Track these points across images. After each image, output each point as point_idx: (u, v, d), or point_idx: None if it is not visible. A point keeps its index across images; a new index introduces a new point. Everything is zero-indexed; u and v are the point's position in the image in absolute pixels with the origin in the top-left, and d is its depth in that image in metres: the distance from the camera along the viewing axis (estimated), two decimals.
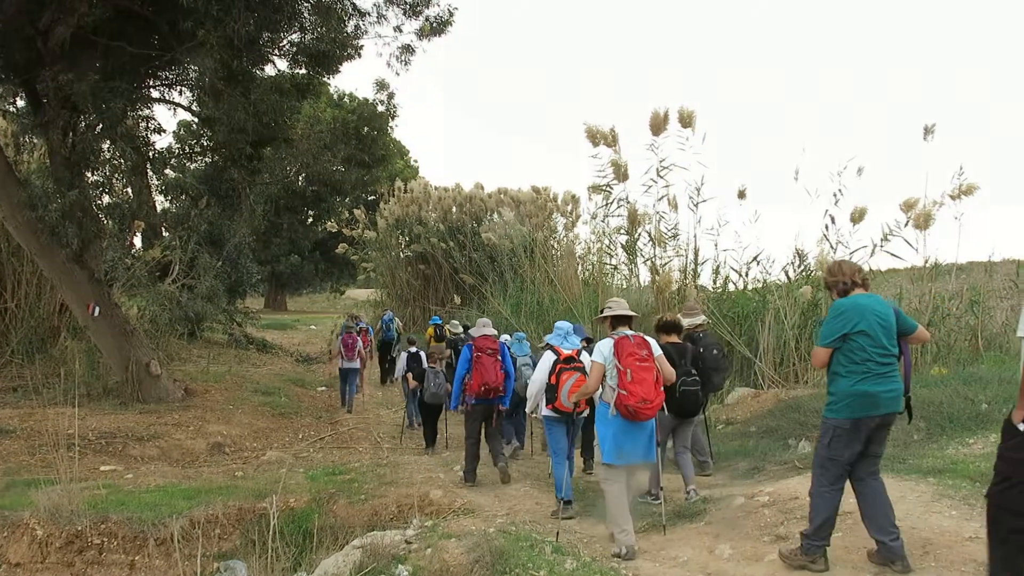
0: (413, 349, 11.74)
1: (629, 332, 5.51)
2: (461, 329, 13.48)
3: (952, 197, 10.38)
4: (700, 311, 8.02)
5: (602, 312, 5.85)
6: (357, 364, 14.05)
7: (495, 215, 22.08)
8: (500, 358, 7.91)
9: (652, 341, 5.58)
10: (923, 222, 10.49)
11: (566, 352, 6.69)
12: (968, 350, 10.60)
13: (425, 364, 11.05)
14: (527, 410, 7.69)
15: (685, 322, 7.28)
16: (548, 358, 6.77)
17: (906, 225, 10.86)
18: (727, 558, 5.07)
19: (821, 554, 4.46)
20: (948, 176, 10.62)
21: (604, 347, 5.43)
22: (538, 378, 6.79)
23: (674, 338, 6.71)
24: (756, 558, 4.94)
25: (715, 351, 7.49)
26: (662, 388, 5.40)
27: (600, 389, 5.48)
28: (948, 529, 4.71)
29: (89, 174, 11.94)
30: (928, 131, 10.67)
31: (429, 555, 5.18)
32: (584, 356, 6.69)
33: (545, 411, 6.78)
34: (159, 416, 11.45)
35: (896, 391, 4.31)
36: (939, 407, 7.72)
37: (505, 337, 9.81)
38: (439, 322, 15.65)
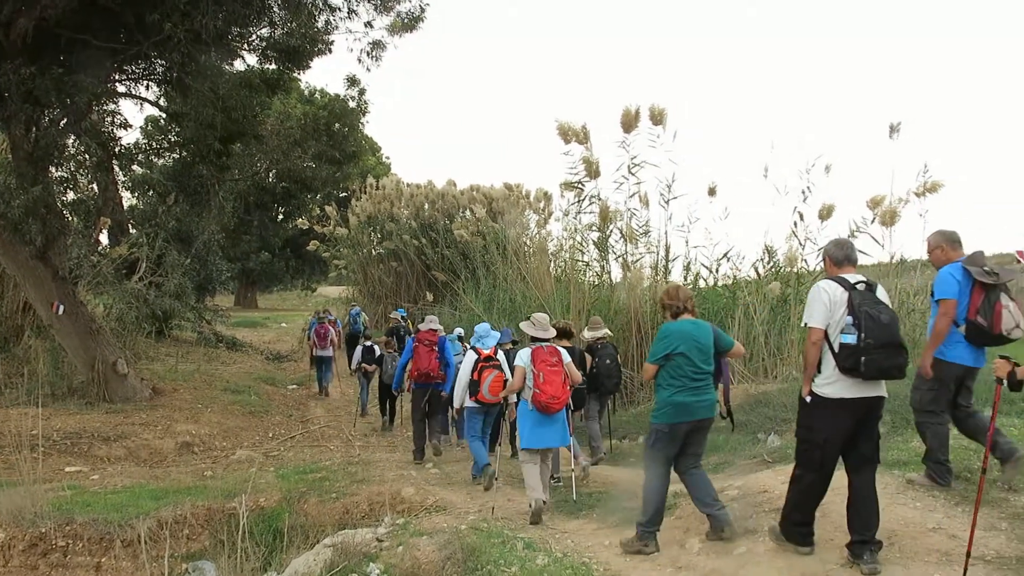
0: (368, 343, 13.26)
1: (544, 343, 6.66)
2: (400, 317, 14.82)
3: (917, 194, 10.54)
4: (603, 326, 9.17)
5: (531, 331, 6.90)
6: (330, 352, 15.31)
7: (467, 212, 22.01)
8: (437, 349, 8.98)
9: (562, 350, 6.65)
10: (889, 219, 10.65)
11: (486, 352, 7.77)
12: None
13: (380, 352, 12.41)
14: (454, 404, 8.40)
15: (588, 334, 8.87)
16: (471, 357, 7.83)
17: (872, 222, 11.03)
18: (697, 552, 5.10)
19: (652, 539, 5.23)
20: (913, 174, 10.80)
21: (524, 355, 6.59)
22: (463, 375, 7.85)
23: (565, 342, 7.64)
24: (725, 551, 4.98)
25: (608, 360, 8.76)
26: (569, 388, 6.56)
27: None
28: (912, 520, 4.78)
29: (53, 170, 11.72)
30: (894, 129, 10.82)
31: (401, 553, 5.16)
32: (500, 355, 7.87)
33: (469, 402, 7.82)
34: (126, 416, 11.29)
35: (708, 401, 5.09)
36: (904, 400, 7.81)
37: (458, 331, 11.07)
38: (403, 314, 16.11)
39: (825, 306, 4.34)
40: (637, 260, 13.38)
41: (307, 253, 32.98)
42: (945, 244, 5.57)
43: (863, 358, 4.15)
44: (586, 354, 8.57)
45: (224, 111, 11.93)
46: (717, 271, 13.64)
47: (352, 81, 20.76)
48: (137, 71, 12.98)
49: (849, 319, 4.24)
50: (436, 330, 9.28)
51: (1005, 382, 4.13)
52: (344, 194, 33.78)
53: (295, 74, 14.23)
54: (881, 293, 4.43)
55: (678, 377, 5.01)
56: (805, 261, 12.29)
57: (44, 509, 6.83)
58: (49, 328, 12.48)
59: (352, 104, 24.18)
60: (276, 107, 22.66)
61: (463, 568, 4.83)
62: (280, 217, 37.67)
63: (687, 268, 14.00)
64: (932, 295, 5.43)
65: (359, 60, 12.87)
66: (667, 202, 13.04)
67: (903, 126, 10.79)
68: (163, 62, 11.91)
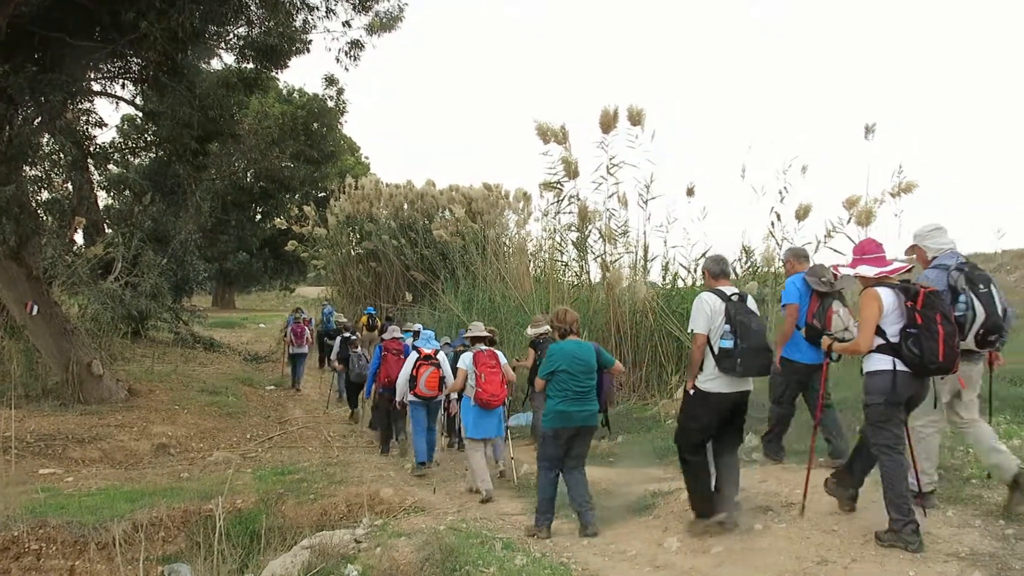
0: (347, 334, 13.62)
1: (484, 347, 7.65)
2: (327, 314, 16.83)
3: (892, 195, 10.61)
4: (544, 322, 9.22)
5: (468, 334, 8.13)
6: (305, 349, 16.37)
7: (447, 212, 21.94)
8: (403, 357, 9.43)
9: (500, 354, 7.67)
10: (864, 219, 10.71)
11: (426, 351, 8.67)
12: None
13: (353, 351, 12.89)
14: (397, 398, 9.07)
15: (531, 331, 9.47)
16: (413, 356, 8.70)
17: (848, 222, 11.08)
18: (675, 551, 5.13)
19: (546, 525, 5.89)
20: (888, 174, 10.87)
21: (467, 358, 7.58)
22: (404, 372, 8.69)
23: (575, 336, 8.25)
24: (703, 550, 5.01)
25: None
26: (506, 387, 7.68)
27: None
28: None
29: (27, 168, 11.59)
30: (869, 130, 10.89)
31: (379, 554, 5.15)
32: (441, 356, 8.77)
33: (410, 396, 8.66)
34: (101, 417, 11.17)
35: (589, 411, 5.88)
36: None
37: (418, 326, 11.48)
38: (373, 312, 17.60)
39: (707, 315, 5.07)
40: (616, 260, 13.40)
41: (285, 253, 32.75)
42: (793, 259, 6.78)
43: (738, 360, 4.92)
44: (530, 348, 9.38)
45: (201, 110, 11.83)
46: (695, 271, 13.72)
47: (330, 80, 20.72)
48: (113, 69, 12.86)
49: (727, 327, 4.98)
50: (400, 338, 10.12)
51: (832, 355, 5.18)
52: (323, 194, 33.58)
53: (273, 73, 14.12)
54: (751, 303, 5.18)
55: (562, 390, 5.78)
56: (782, 260, 12.38)
57: (17, 512, 6.76)
58: (23, 328, 12.32)
59: (330, 103, 24.11)
60: (254, 106, 22.52)
61: (441, 569, 4.82)
62: (258, 217, 37.39)
63: (665, 268, 14.03)
64: (780, 301, 6.40)
65: (337, 59, 12.85)
66: (646, 202, 13.06)
67: (878, 127, 10.85)
68: (139, 60, 11.81)
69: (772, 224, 12.13)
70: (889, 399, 4.47)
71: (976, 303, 4.77)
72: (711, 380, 5.09)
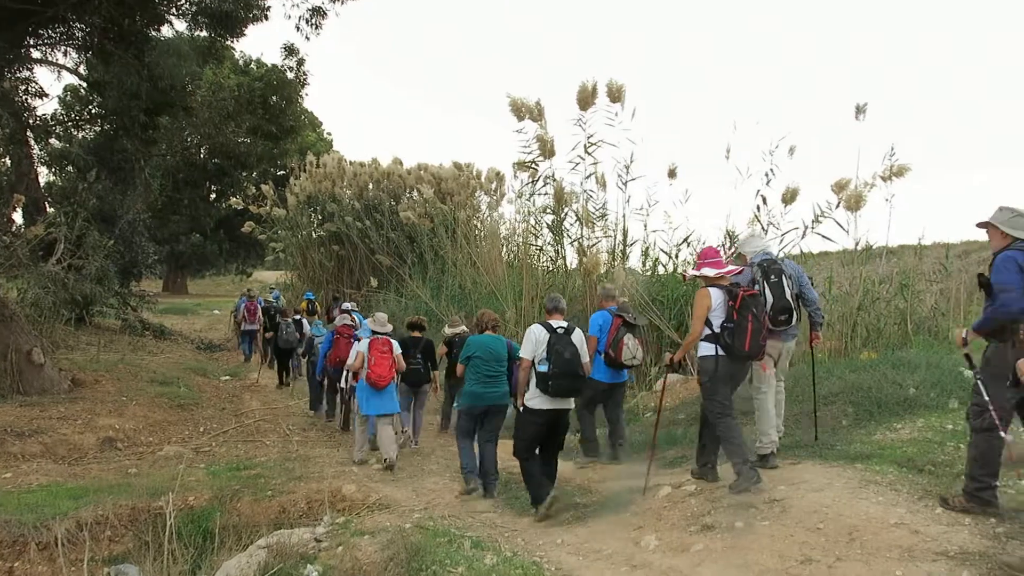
0: (297, 317, 15.28)
1: (381, 336, 8.99)
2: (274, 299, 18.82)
3: (883, 178, 10.65)
4: (461, 323, 10.82)
5: (371, 326, 9.30)
6: (257, 326, 17.99)
7: (414, 192, 21.83)
8: (352, 341, 10.52)
9: (395, 342, 9.05)
10: (854, 203, 10.76)
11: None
12: (897, 334, 10.98)
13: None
14: (341, 384, 10.35)
15: (448, 331, 10.58)
16: (361, 345, 9.52)
17: (837, 206, 11.14)
18: (653, 549, 5.16)
19: (473, 478, 7.28)
20: (880, 156, 10.90)
21: (364, 344, 8.97)
22: (350, 361, 9.51)
23: (416, 333, 10.04)
24: (682, 548, 5.05)
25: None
26: (394, 371, 8.96)
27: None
28: (874, 515, 4.88)
29: None
30: (860, 110, 10.90)
31: (340, 554, 5.13)
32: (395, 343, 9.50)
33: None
34: (42, 409, 11.00)
35: (498, 392, 7.32)
36: (867, 392, 8.01)
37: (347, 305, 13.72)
38: (311, 297, 18.94)
39: (532, 344, 6.38)
40: (593, 245, 13.45)
41: (242, 235, 32.42)
42: (602, 298, 8.46)
43: (551, 382, 6.26)
44: (444, 345, 10.53)
45: (150, 80, 11.66)
46: (677, 256, 13.76)
47: (290, 50, 20.40)
48: (54, 35, 12.60)
49: (544, 354, 6.29)
50: (351, 324, 11.47)
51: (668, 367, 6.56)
52: (282, 172, 33.29)
53: (228, 42, 13.97)
54: (576, 336, 6.47)
55: (476, 374, 7.28)
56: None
57: None
58: None
59: (290, 75, 23.75)
60: (208, 77, 22.22)
61: (407, 568, 4.81)
62: (212, 196, 37.02)
63: (645, 253, 14.10)
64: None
65: (298, 28, 12.74)
66: (625, 184, 13.11)
67: (870, 107, 10.87)
68: (83, 26, 11.58)
69: (758, 208, 12.20)
70: (713, 377, 5.90)
71: (767, 290, 6.25)
72: (534, 399, 6.41)
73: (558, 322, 6.52)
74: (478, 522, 6.33)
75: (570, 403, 6.61)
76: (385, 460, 8.56)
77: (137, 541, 6.74)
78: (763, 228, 12.03)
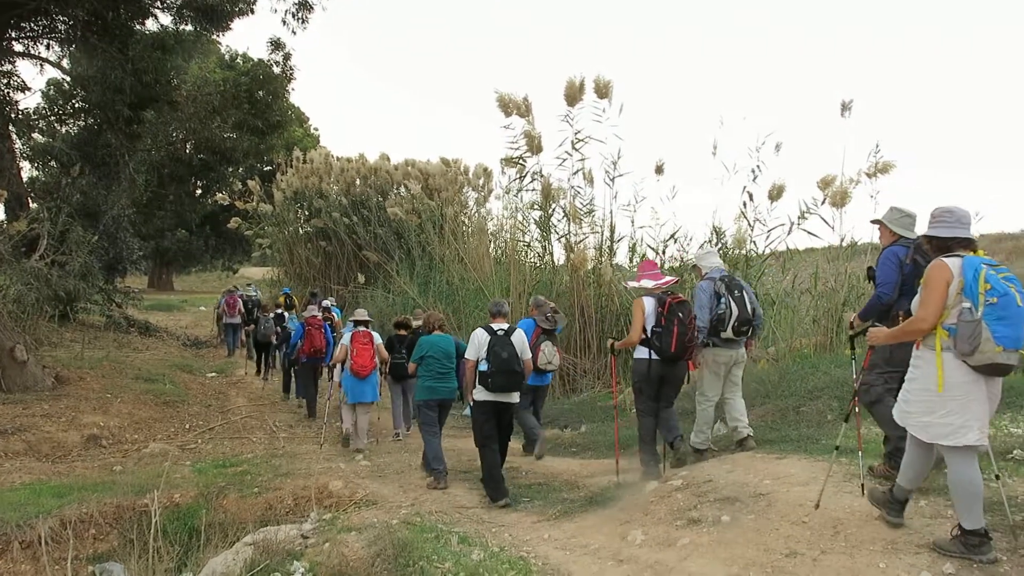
0: (280, 311, 15.42)
1: (362, 328, 9.76)
2: (252, 293, 19.39)
3: (868, 175, 10.73)
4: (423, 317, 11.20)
5: (352, 317, 10.08)
6: (238, 320, 18.38)
7: (402, 188, 21.78)
8: (322, 331, 11.89)
9: (375, 334, 9.78)
10: (840, 200, 10.84)
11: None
12: None
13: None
14: (333, 377, 10.84)
15: (415, 323, 10.82)
16: (347, 337, 10.31)
17: (823, 203, 11.22)
18: (639, 544, 5.19)
19: (443, 475, 7.64)
20: (865, 153, 10.98)
21: (346, 337, 9.72)
22: (340, 350, 10.16)
23: (402, 332, 10.56)
24: (669, 543, 5.07)
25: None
26: (376, 362, 9.80)
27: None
28: (858, 509, 4.92)
29: None
30: (845, 107, 10.99)
31: (327, 550, 5.13)
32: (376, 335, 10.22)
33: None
34: (26, 407, 10.94)
35: (448, 387, 8.12)
36: (852, 387, 8.06)
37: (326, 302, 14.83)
38: (288, 292, 18.82)
39: (476, 346, 7.12)
40: (581, 241, 13.47)
41: (228, 231, 32.29)
42: (532, 307, 9.17)
43: (490, 379, 6.97)
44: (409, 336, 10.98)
45: (135, 74, 11.59)
46: (664, 253, 13.81)
47: (276, 45, 20.36)
48: (37, 28, 12.51)
49: (486, 354, 7.02)
50: (318, 316, 12.28)
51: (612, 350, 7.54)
52: (268, 167, 33.17)
53: (214, 36, 13.88)
54: (516, 337, 7.22)
55: (429, 370, 7.99)
56: (754, 243, 12.52)
57: None
58: None
59: (276, 70, 23.64)
60: (193, 72, 22.09)
61: (394, 564, 4.82)
62: (198, 192, 36.86)
63: (632, 249, 14.14)
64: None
65: (284, 22, 12.70)
66: (612, 180, 13.14)
67: (855, 104, 10.98)
68: (66, 19, 11.51)
69: (744, 204, 12.27)
70: (644, 378, 6.70)
71: (732, 304, 6.81)
72: (480, 393, 7.12)
73: (499, 325, 7.29)
74: (465, 518, 6.34)
75: (513, 397, 7.21)
76: (348, 438, 9.71)
77: (122, 539, 6.72)
78: (749, 224, 12.11)
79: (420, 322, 10.64)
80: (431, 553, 4.93)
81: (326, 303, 14.63)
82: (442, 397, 8.08)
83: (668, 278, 7.05)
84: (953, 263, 4.10)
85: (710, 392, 7.06)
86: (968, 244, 4.22)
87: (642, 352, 6.68)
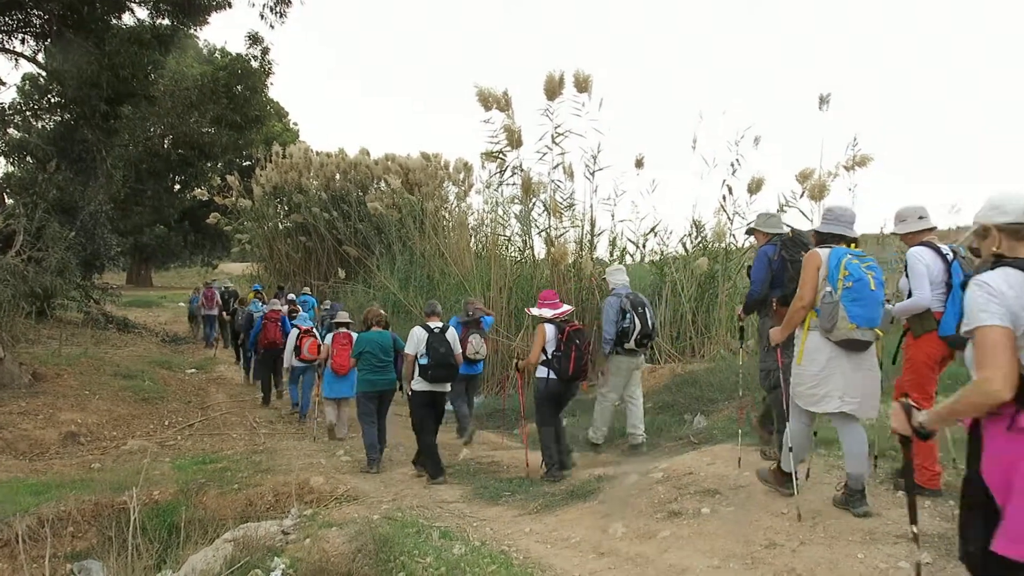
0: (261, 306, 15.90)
1: (343, 330, 10.04)
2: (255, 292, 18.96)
3: (846, 168, 10.83)
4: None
5: (334, 319, 10.59)
6: (215, 311, 19.15)
7: (382, 183, 21.71)
8: (280, 324, 12.57)
9: (354, 334, 9.53)
10: (818, 193, 10.92)
11: (304, 328, 11.55)
12: None
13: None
14: (284, 365, 11.87)
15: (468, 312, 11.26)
16: (294, 333, 11.49)
17: (802, 196, 11.30)
18: (620, 536, 5.20)
19: (376, 462, 8.25)
20: (843, 147, 11.08)
21: (328, 337, 10.16)
22: (289, 343, 11.45)
23: (379, 328, 10.81)
24: (649, 535, 5.10)
25: None
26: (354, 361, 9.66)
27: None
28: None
29: None
30: (823, 101, 11.07)
31: (308, 546, 5.12)
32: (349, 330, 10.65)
33: (295, 361, 11.35)
34: (2, 404, 10.84)
35: (386, 379, 8.53)
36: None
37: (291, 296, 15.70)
38: (259, 288, 19.35)
39: (415, 342, 7.74)
40: (561, 235, 13.48)
41: (207, 227, 32.05)
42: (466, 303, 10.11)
43: (429, 371, 7.67)
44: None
45: (111, 69, 11.46)
46: (644, 246, 13.86)
47: (254, 39, 20.18)
48: (11, 22, 12.35)
49: (424, 350, 7.69)
50: (279, 310, 12.95)
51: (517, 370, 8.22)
52: (247, 162, 32.89)
53: (191, 30, 13.75)
54: (449, 334, 8.01)
55: (368, 364, 8.48)
56: (733, 236, 12.60)
57: None
58: None
59: (255, 64, 23.43)
60: (170, 66, 21.86)
61: (375, 560, 4.81)
62: (176, 187, 36.48)
63: (613, 243, 14.18)
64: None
65: (262, 16, 12.65)
66: (592, 174, 13.14)
67: (833, 97, 11.04)
68: (41, 12, 11.37)
69: (724, 198, 12.33)
70: (543, 395, 7.32)
71: (636, 319, 7.81)
72: (417, 383, 7.75)
73: (435, 323, 8.04)
74: (446, 512, 6.34)
75: (446, 387, 8.01)
76: (332, 429, 10.18)
77: (101, 537, 6.66)
78: (728, 218, 12.18)
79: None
80: (412, 548, 4.92)
81: (291, 296, 15.51)
82: (381, 389, 8.59)
83: (565, 307, 7.67)
84: (823, 253, 4.72)
85: (612, 393, 8.21)
86: (842, 239, 4.84)
87: (542, 372, 7.32)
